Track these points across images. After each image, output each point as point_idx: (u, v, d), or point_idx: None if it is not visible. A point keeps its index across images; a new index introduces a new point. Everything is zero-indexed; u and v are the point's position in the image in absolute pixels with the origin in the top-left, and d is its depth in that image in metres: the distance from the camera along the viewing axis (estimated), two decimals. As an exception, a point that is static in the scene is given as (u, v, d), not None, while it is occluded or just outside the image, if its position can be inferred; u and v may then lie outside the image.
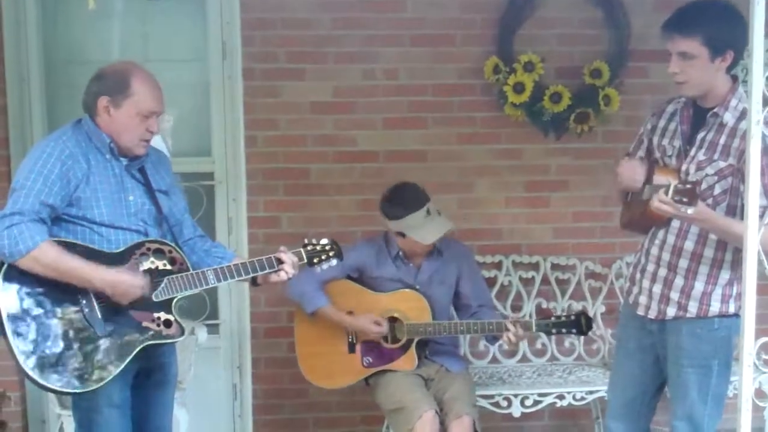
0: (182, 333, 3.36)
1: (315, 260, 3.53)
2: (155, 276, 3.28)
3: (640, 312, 3.48)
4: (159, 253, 3.31)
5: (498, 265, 4.94)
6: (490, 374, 4.73)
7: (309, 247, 3.53)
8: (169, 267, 3.31)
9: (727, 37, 3.18)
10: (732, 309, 3.33)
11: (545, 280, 4.96)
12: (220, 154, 4.92)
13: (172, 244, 3.35)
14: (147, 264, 3.28)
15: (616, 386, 3.69)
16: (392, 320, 4.22)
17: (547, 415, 5.03)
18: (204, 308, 4.95)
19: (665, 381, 3.53)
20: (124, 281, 3.20)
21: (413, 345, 4.19)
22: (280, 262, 3.44)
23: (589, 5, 4.88)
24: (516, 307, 4.93)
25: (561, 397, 4.49)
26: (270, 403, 5.01)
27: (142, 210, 3.34)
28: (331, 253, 3.55)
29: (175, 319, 3.32)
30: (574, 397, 4.49)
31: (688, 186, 2.97)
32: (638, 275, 3.52)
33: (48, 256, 3.11)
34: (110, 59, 4.76)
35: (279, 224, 4.90)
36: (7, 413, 4.42)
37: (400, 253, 4.24)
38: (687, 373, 3.36)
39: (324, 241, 3.56)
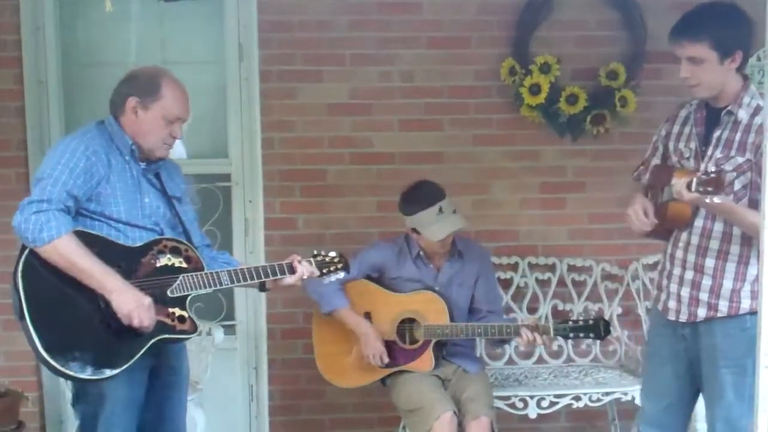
0: (196, 330, 3.38)
1: (324, 271, 3.59)
2: (171, 273, 3.31)
3: (671, 317, 3.47)
4: (175, 250, 3.35)
5: (514, 267, 4.94)
6: (506, 375, 4.73)
7: (318, 258, 3.59)
8: (184, 265, 3.35)
9: (734, 38, 3.21)
10: None
11: (561, 282, 4.95)
12: (236, 156, 4.94)
13: (189, 244, 3.39)
14: (164, 260, 3.32)
15: (650, 394, 3.66)
16: (410, 321, 4.22)
17: (564, 416, 5.02)
18: (220, 309, 4.98)
19: (700, 386, 3.50)
20: (134, 294, 3.19)
21: (430, 346, 4.19)
22: (292, 270, 3.49)
23: (606, 7, 4.88)
24: (532, 309, 4.93)
25: (577, 398, 4.48)
26: (286, 404, 5.02)
27: (157, 212, 3.38)
28: (339, 266, 3.61)
29: (189, 316, 3.35)
30: (590, 399, 4.47)
31: (713, 175, 2.97)
32: (665, 281, 3.51)
33: (68, 249, 3.11)
34: (127, 61, 4.80)
35: (295, 226, 4.91)
36: (24, 413, 4.46)
37: (421, 253, 4.24)
38: (723, 374, 3.34)
39: (332, 253, 3.62)
